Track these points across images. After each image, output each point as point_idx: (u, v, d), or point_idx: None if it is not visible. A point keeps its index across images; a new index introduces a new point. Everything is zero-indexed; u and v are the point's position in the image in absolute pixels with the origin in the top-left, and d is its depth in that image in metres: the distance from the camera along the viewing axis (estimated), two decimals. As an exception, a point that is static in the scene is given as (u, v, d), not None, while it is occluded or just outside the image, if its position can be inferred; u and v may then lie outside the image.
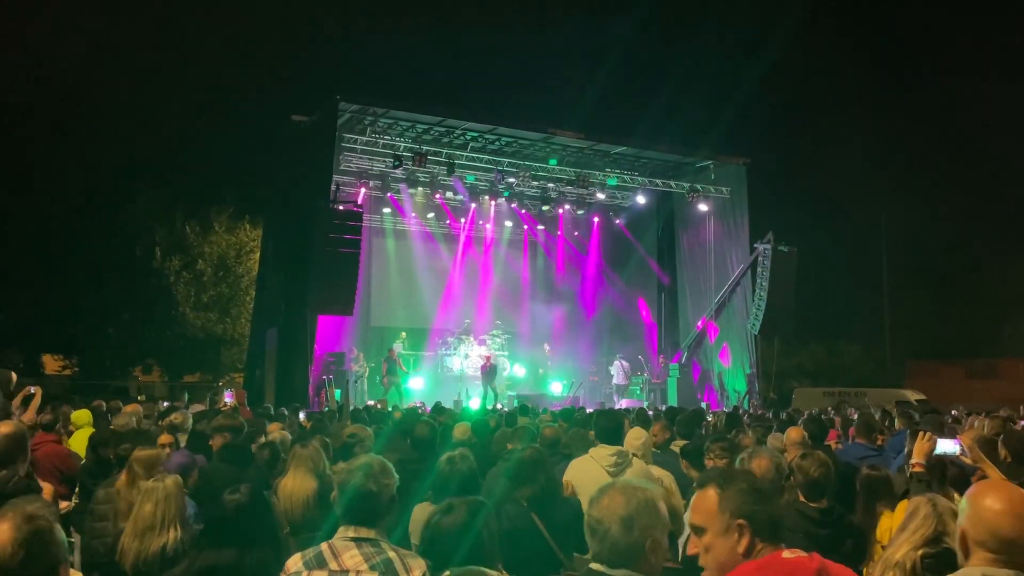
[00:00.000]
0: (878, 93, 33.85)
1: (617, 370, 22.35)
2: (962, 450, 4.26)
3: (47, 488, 4.95)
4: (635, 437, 5.45)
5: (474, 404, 17.82)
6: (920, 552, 2.66)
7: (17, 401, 7.74)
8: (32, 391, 7.73)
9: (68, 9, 25.42)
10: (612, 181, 21.89)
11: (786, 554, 2.15)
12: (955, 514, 2.77)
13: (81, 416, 8.20)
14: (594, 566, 2.24)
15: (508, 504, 4.19)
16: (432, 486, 4.25)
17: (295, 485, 4.65)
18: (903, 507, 3.16)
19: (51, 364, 30.04)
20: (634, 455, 5.10)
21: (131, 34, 28.02)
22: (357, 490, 2.80)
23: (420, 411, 12.41)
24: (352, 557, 2.71)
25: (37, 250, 26.36)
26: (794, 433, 5.87)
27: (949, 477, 4.11)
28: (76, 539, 5.16)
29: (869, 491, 4.43)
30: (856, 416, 10.33)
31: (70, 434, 7.92)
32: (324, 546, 2.78)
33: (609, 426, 5.23)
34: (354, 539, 2.75)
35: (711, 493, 2.25)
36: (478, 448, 6.09)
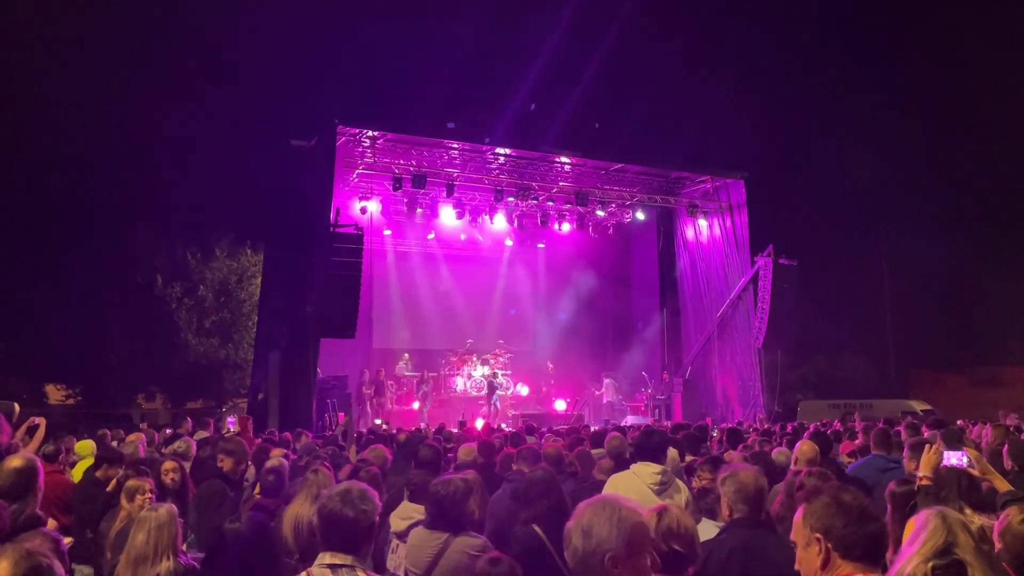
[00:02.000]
0: (878, 104, 33.96)
1: (607, 388, 22.27)
2: (969, 462, 4.24)
3: (50, 523, 4.91)
4: (669, 456, 5.38)
5: (478, 425, 17.77)
6: (931, 564, 2.65)
7: (21, 431, 7.71)
8: (36, 422, 7.70)
9: (65, 34, 25.64)
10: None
11: None
12: (965, 526, 2.76)
13: (84, 447, 8.16)
14: None
15: (517, 527, 4.14)
16: (426, 511, 4.22)
17: (296, 511, 4.62)
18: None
19: (54, 394, 30.00)
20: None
21: (129, 60, 28.22)
22: (333, 515, 2.78)
23: (424, 433, 12.37)
24: None
25: (38, 279, 26.41)
26: (807, 447, 5.80)
27: (961, 488, 4.07)
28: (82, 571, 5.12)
29: (902, 506, 4.37)
30: (861, 427, 10.29)
31: (73, 464, 7.88)
32: (303, 574, 2.77)
33: (649, 444, 4.98)
34: (330, 566, 2.73)
35: (800, 509, 2.34)
36: (483, 469, 6.07)
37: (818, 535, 2.23)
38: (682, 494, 4.72)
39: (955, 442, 5.97)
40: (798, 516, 2.33)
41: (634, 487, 4.64)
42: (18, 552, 2.25)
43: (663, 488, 4.67)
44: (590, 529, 2.20)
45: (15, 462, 3.92)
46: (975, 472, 4.19)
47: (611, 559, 2.15)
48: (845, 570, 2.18)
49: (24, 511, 3.59)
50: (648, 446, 4.94)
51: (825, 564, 2.21)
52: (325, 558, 2.75)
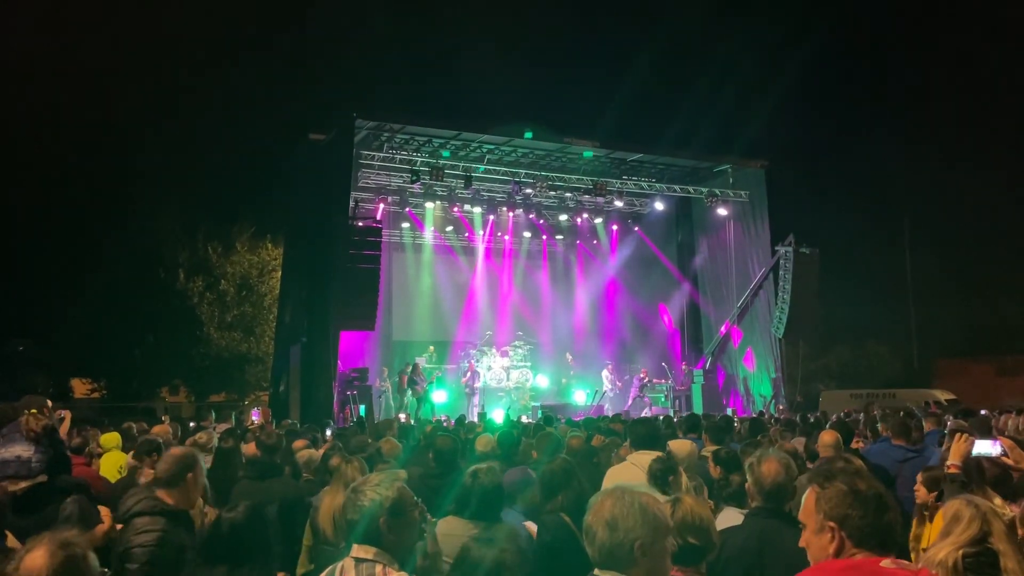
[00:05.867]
0: (899, 91, 33.55)
1: (605, 379, 22.09)
2: (1002, 451, 4.16)
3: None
4: (680, 448, 5.33)
5: (497, 416, 17.78)
6: (961, 552, 2.62)
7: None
8: (62, 415, 7.78)
9: (83, 34, 25.90)
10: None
11: (886, 563, 2.10)
12: (997, 513, 2.72)
13: (109, 439, 8.23)
14: (597, 572, 2.26)
15: (546, 516, 4.14)
16: (455, 499, 4.21)
17: (332, 502, 4.65)
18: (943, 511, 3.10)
19: (80, 388, 30.38)
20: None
21: (149, 56, 28.47)
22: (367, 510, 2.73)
23: (444, 424, 12.40)
24: None
25: (62, 276, 26.73)
26: (828, 437, 5.75)
27: (989, 478, 4.01)
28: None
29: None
30: (879, 415, 10.19)
31: (98, 456, 7.97)
32: (339, 564, 2.73)
33: (642, 433, 5.11)
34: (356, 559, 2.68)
35: (811, 491, 2.28)
36: (502, 460, 6.06)
37: (831, 523, 2.19)
38: (681, 480, 4.70)
39: (986, 431, 5.89)
40: (810, 499, 2.27)
41: (635, 478, 4.62)
42: (54, 542, 2.26)
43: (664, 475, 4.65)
44: (615, 521, 2.22)
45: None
46: (1009, 461, 4.11)
47: (640, 547, 2.19)
48: (857, 556, 2.16)
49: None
50: (642, 435, 5.07)
51: (839, 552, 2.17)
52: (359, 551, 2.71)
